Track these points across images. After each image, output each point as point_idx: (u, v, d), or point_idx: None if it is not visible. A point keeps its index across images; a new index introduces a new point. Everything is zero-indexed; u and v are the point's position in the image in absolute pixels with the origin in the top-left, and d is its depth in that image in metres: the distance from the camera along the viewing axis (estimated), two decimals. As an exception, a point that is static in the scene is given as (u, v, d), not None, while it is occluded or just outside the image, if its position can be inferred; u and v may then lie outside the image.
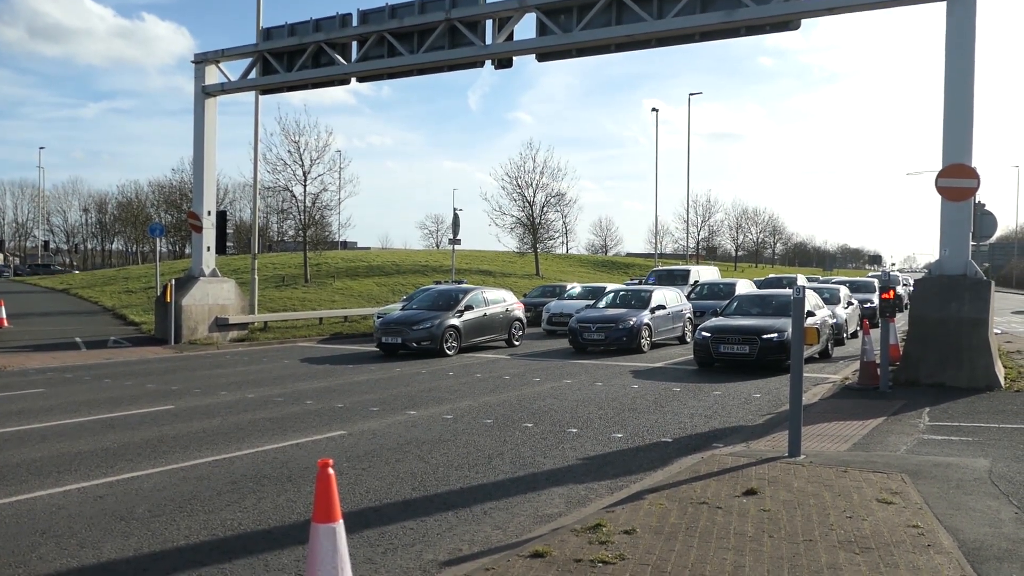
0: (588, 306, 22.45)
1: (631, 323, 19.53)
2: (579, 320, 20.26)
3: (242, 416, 11.28)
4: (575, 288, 29.87)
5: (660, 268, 36.13)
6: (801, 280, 30.05)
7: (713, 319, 17.67)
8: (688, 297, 26.02)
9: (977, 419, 10.29)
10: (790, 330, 14.74)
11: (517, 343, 21.44)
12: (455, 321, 19.51)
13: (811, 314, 16.65)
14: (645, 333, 19.75)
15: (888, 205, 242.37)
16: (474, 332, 20.13)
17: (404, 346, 19.00)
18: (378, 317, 23.94)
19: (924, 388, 12.65)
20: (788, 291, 19.37)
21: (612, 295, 22.16)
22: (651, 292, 21.35)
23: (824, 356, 17.76)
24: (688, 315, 22.17)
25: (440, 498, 7.13)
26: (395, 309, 22.79)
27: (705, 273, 32.76)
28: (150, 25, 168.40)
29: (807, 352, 15.58)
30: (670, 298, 21.67)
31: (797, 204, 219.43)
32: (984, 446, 8.64)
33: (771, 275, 35.84)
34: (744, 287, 26.20)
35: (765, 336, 15.49)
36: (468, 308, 20.06)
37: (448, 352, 19.08)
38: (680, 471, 7.66)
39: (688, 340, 21.40)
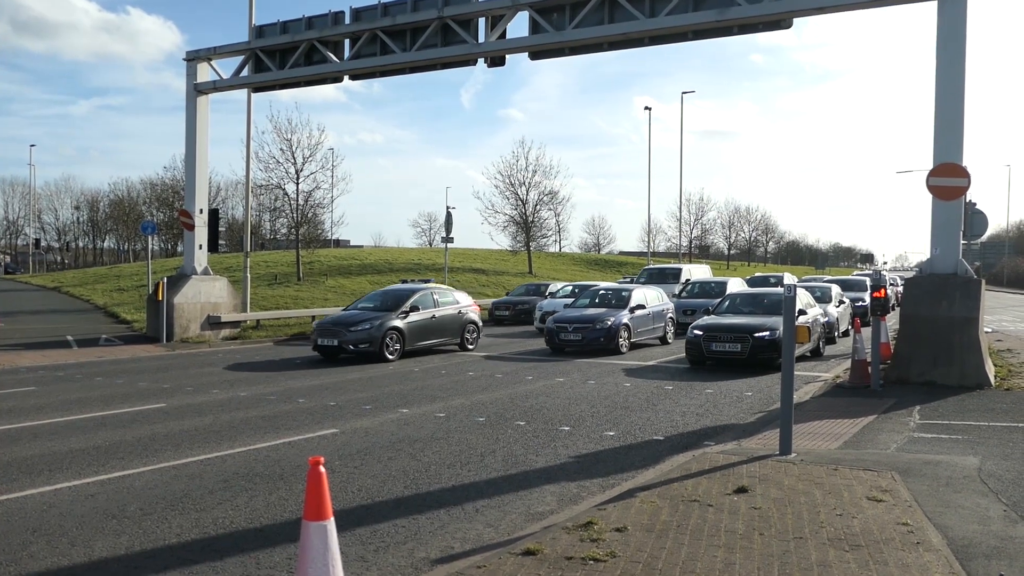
0: (567, 306, 22.06)
1: (609, 323, 19.10)
2: (556, 320, 19.84)
3: (234, 414, 11.26)
4: (566, 287, 29.89)
5: (651, 266, 36.17)
6: (788, 279, 30.07)
7: (705, 317, 17.60)
8: (679, 295, 25.90)
9: (967, 417, 10.35)
10: (782, 328, 14.85)
11: (471, 347, 20.31)
12: (398, 323, 18.22)
13: (803, 312, 16.63)
14: (624, 334, 19.32)
15: (881, 203, 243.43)
16: (420, 335, 18.88)
17: (342, 349, 17.71)
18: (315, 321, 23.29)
19: (915, 386, 12.71)
20: (780, 289, 19.29)
21: (592, 294, 21.75)
22: (631, 291, 20.93)
23: (815, 355, 17.80)
24: (670, 315, 21.78)
25: (432, 496, 7.14)
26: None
27: (697, 271, 32.75)
28: (135, 19, 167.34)
29: (799, 351, 15.60)
30: (651, 297, 21.25)
31: (790, 202, 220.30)
32: (974, 444, 8.69)
33: (757, 273, 35.82)
34: (735, 285, 26.12)
35: (757, 334, 15.47)
36: (414, 309, 18.81)
37: (389, 356, 17.76)
38: (671, 469, 7.68)
39: (670, 340, 21.27)
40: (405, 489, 7.35)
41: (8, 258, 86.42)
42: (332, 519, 3.98)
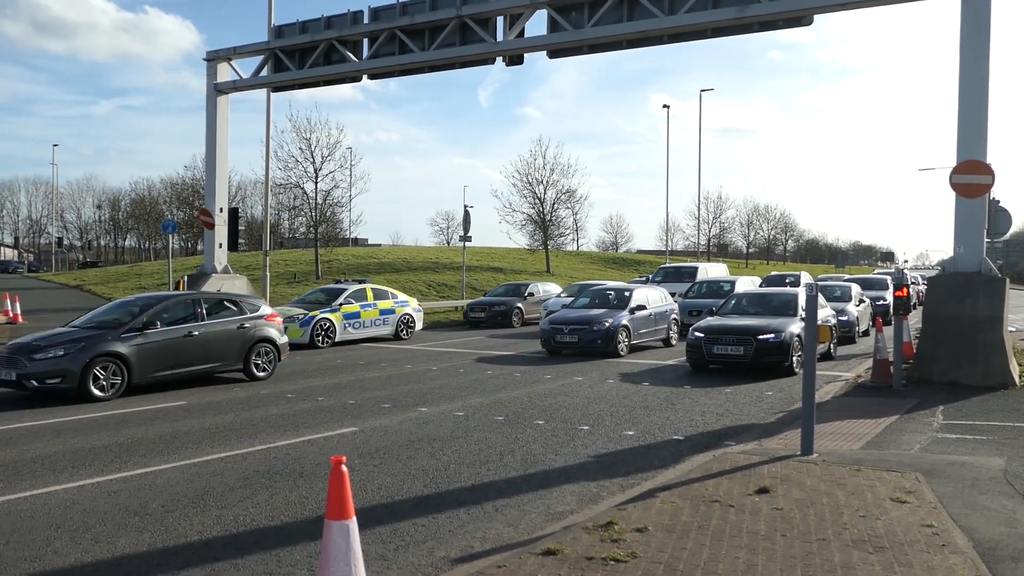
0: (565, 306, 21.33)
1: (607, 325, 18.16)
2: (552, 321, 19.07)
3: (254, 412, 11.32)
4: (548, 287, 29.46)
5: (667, 265, 35.80)
6: (805, 278, 29.50)
7: (708, 318, 16.78)
8: (686, 295, 25.09)
9: (992, 417, 10.22)
10: (788, 330, 14.62)
11: (263, 374, 14.63)
12: (119, 346, 12.66)
13: None
14: (623, 335, 18.33)
15: (901, 201, 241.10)
16: (163, 361, 13.23)
17: (21, 385, 12.11)
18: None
19: (938, 386, 12.57)
20: (789, 289, 18.42)
21: (591, 294, 20.97)
22: (631, 291, 20.13)
23: (826, 357, 16.99)
24: (674, 316, 20.84)
25: (452, 495, 7.13)
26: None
27: (713, 270, 32.13)
28: (153, 19, 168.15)
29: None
30: (653, 298, 20.32)
31: (809, 200, 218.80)
32: (999, 445, 8.58)
33: (773, 272, 35.19)
34: (744, 285, 25.28)
35: (761, 337, 14.58)
36: (151, 325, 13.15)
37: (98, 393, 12.26)
38: (692, 469, 7.64)
39: (674, 343, 20.51)
40: (424, 488, 7.36)
41: (31, 256, 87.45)
42: (354, 518, 3.99)
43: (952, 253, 13.93)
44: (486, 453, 8.73)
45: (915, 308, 31.68)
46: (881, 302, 26.01)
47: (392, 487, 7.38)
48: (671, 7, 17.14)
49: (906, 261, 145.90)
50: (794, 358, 14.57)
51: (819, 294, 17.70)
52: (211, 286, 23.14)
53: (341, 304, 21.46)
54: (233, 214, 24.92)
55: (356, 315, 21.79)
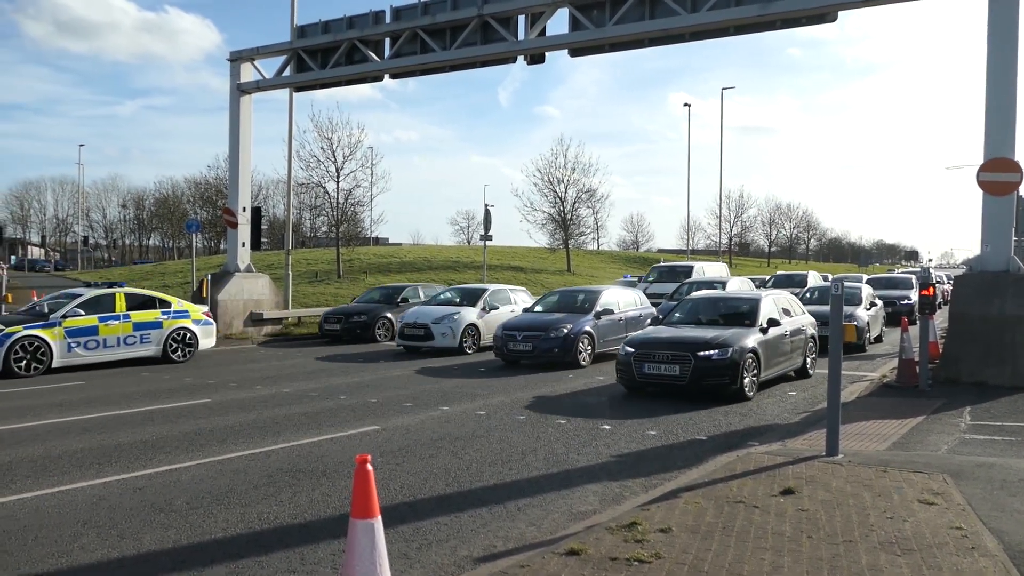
0: (527, 310, 18.68)
1: (565, 331, 16.05)
2: (505, 327, 16.76)
3: (277, 410, 11.39)
4: (440, 291, 22.74)
5: (661, 264, 34.14)
6: (813, 277, 28.50)
7: (647, 329, 14.44)
8: (671, 296, 23.02)
9: (1020, 418, 10.08)
10: (740, 344, 12.12)
11: None
12: None
13: (774, 323, 12.96)
14: (585, 343, 16.25)
15: (926, 200, 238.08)
16: None
17: None
18: None
19: (965, 386, 12.41)
20: (752, 293, 16.02)
21: (557, 296, 18.69)
22: (598, 293, 17.97)
23: (802, 375, 14.20)
24: (649, 321, 17.90)
25: (474, 494, 7.13)
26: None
27: (710, 269, 30.31)
28: (174, 18, 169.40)
29: (774, 372, 13.06)
30: (624, 301, 18.17)
31: (832, 199, 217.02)
32: (1028, 446, 8.45)
33: (779, 272, 33.83)
34: (736, 285, 23.41)
35: (702, 353, 11.69)
36: None
37: None
38: (715, 469, 7.58)
39: None
40: (447, 487, 7.36)
41: (58, 255, 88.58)
42: (379, 517, 3.99)
43: (979, 252, 13.74)
44: (508, 452, 8.72)
45: (940, 307, 31.21)
46: (906, 301, 25.56)
47: (415, 486, 7.39)
48: (693, 5, 17.02)
49: (930, 260, 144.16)
50: (746, 379, 11.88)
51: (790, 300, 15.27)
52: (234, 285, 23.30)
53: (65, 316, 15.86)
54: (256, 213, 25.06)
55: (91, 330, 16.12)
